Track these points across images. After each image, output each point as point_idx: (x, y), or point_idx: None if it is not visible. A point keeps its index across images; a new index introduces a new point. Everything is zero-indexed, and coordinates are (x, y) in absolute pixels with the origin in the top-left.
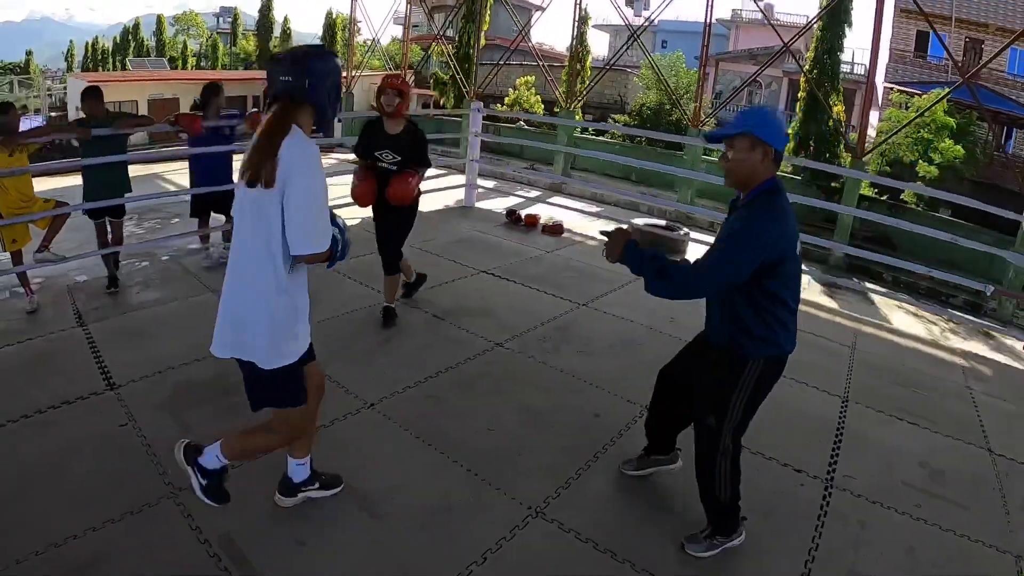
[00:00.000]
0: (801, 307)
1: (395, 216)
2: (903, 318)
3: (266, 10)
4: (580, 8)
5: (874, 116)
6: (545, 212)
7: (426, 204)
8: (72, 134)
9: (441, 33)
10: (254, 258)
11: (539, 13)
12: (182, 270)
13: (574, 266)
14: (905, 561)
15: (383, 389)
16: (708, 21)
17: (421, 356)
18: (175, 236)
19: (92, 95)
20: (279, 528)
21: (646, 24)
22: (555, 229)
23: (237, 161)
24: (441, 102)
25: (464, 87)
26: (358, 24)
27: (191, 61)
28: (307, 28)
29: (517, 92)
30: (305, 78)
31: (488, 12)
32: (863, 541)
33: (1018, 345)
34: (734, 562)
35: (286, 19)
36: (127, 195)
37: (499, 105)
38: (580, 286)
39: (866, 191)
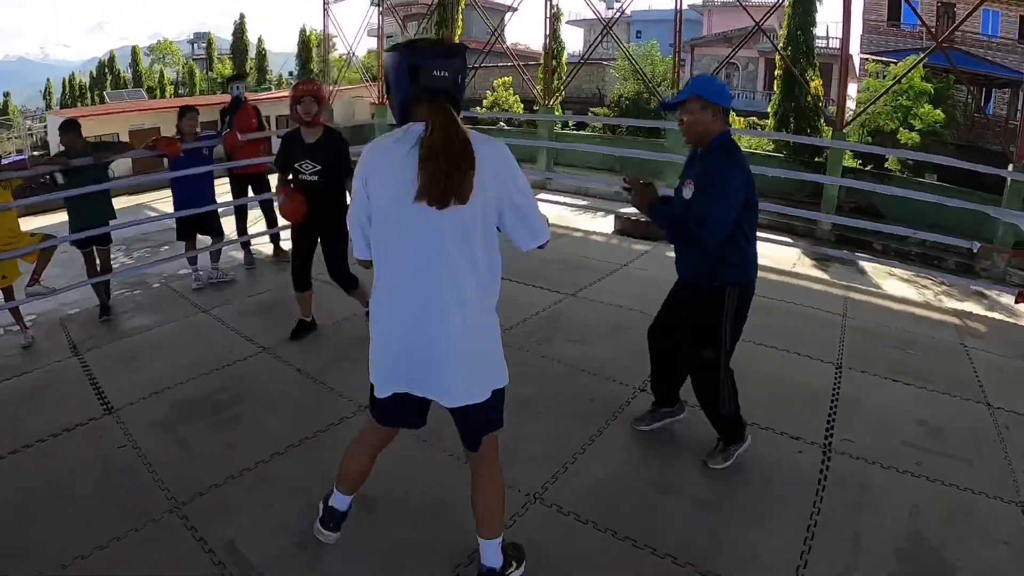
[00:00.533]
0: (790, 279)
1: (331, 230)
2: (895, 284)
3: (240, 32)
4: (552, 5)
5: (852, 88)
6: None
7: None
8: (53, 167)
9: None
10: (454, 283)
11: (510, 14)
12: (173, 294)
13: (561, 258)
14: (908, 520)
15: None
16: (679, 7)
17: None
18: (162, 261)
19: (70, 128)
20: (280, 533)
21: (617, 16)
22: None
23: (218, 183)
24: None
25: None
26: (332, 39)
27: (169, 90)
28: (281, 47)
29: (496, 93)
30: (460, 74)
31: (460, 16)
32: (865, 503)
33: (1011, 300)
34: (735, 531)
35: (260, 40)
36: (112, 222)
37: (479, 108)
38: (568, 277)
39: (849, 163)
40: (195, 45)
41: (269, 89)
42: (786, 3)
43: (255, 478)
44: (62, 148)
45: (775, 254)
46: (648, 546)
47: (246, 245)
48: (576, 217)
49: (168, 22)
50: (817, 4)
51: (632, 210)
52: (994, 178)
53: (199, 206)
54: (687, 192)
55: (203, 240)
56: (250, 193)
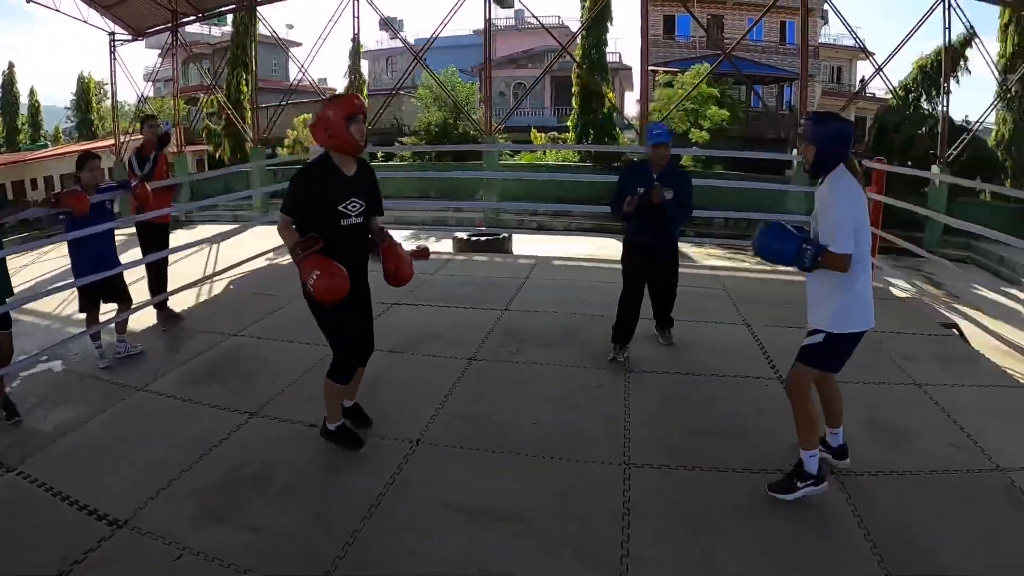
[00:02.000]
0: None
1: (368, 289)
2: (716, 261)
3: (9, 84)
4: (357, 40)
5: (631, 98)
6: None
7: (262, 263)
8: None
9: (214, 82)
10: None
11: (297, 48)
12: (79, 378)
13: (467, 280)
14: (861, 409)
15: (413, 425)
16: (488, 31)
17: (418, 389)
18: (63, 342)
19: None
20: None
21: (428, 44)
22: (421, 253)
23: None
24: (217, 155)
25: (246, 134)
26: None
27: None
28: (53, 100)
29: (297, 132)
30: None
31: (255, 55)
32: None
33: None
34: (767, 441)
35: (32, 91)
36: (11, 300)
37: (282, 148)
38: (488, 295)
39: None
40: None
41: (46, 146)
42: (581, 23)
43: (377, 530)
44: None
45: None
46: (731, 469)
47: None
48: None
49: None
50: (608, 24)
51: (464, 233)
52: (772, 162)
53: (105, 268)
54: (668, 194)
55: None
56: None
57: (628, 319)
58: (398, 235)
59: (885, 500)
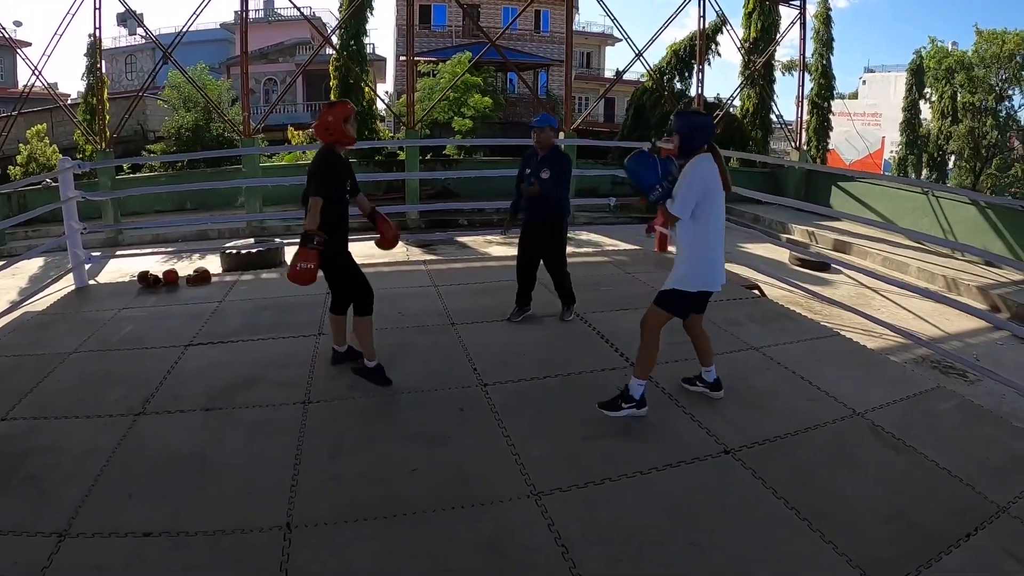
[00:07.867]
0: (456, 265)
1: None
2: (500, 248)
3: None
4: (98, 37)
5: (382, 89)
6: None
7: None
8: None
9: None
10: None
11: (28, 49)
12: None
13: (263, 304)
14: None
15: (274, 504)
16: (245, 20)
17: (257, 454)
18: None
19: None
20: None
21: (179, 38)
22: (202, 278)
23: None
24: None
25: None
26: None
27: None
28: None
29: (30, 146)
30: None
31: None
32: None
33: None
34: (650, 442)
35: None
36: None
37: (12, 167)
38: (294, 319)
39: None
40: None
41: None
42: (340, 14)
43: None
44: None
45: (379, 251)
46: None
47: None
48: (182, 264)
49: None
50: (369, 14)
51: (235, 244)
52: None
53: None
54: (545, 174)
55: None
56: None
57: (521, 285)
58: (154, 259)
59: (780, 464)
